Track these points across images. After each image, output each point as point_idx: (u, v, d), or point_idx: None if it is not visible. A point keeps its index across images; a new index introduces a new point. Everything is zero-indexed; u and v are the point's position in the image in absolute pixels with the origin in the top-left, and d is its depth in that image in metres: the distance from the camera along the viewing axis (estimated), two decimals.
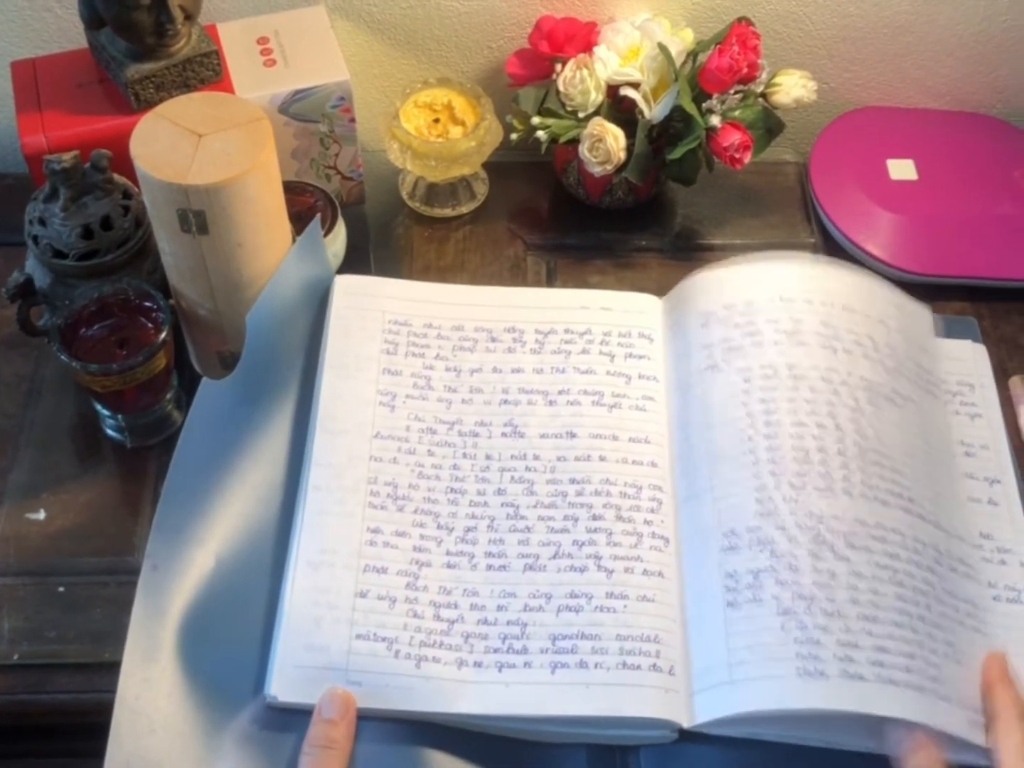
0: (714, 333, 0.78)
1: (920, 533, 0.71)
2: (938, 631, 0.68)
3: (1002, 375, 0.84)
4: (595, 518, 0.71)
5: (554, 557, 0.70)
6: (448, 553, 0.70)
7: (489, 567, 0.70)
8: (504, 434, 0.75)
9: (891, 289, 0.82)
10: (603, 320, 0.81)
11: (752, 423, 0.74)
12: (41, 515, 0.77)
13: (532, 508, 0.72)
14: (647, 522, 0.71)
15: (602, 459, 0.74)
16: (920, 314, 0.83)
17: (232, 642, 0.67)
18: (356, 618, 0.67)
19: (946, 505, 0.74)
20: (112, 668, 0.66)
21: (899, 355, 0.78)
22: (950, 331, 0.85)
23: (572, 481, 0.73)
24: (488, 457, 0.74)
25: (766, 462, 0.72)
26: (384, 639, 0.66)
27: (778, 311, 0.78)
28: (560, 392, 0.77)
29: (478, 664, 0.66)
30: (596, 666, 0.66)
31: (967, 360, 0.84)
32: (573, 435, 0.75)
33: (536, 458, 0.74)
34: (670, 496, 0.73)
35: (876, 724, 0.64)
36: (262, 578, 0.70)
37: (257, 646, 0.67)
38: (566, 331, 0.80)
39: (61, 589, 0.73)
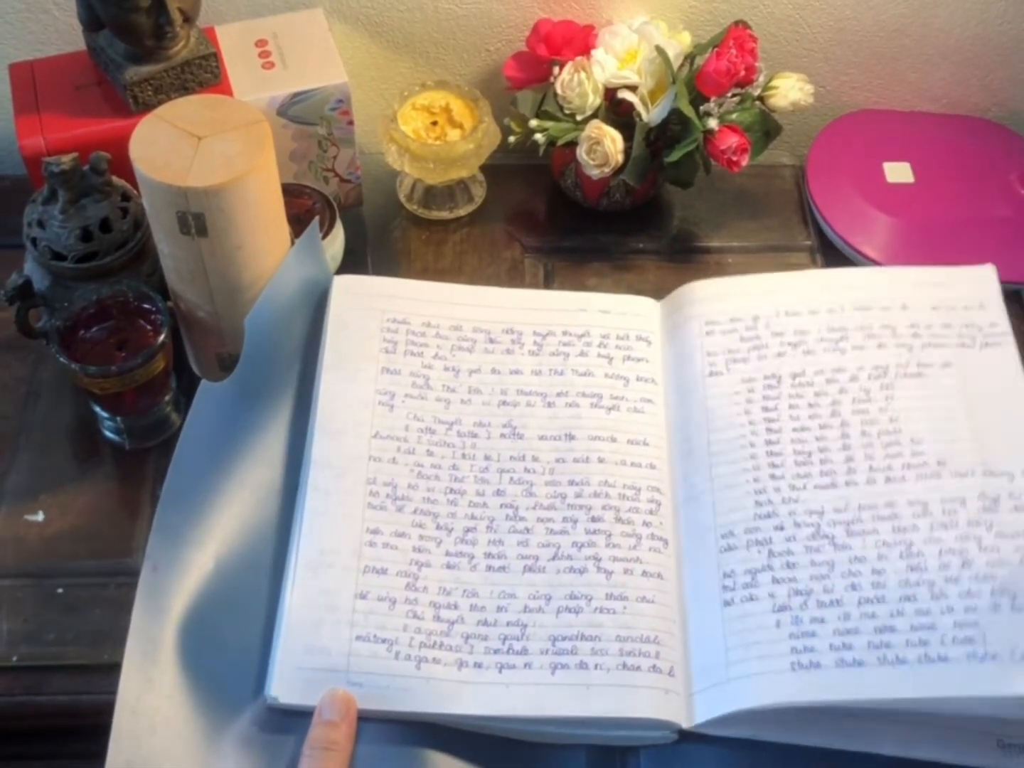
0: (718, 342, 0.79)
1: (953, 491, 0.70)
2: (977, 583, 0.66)
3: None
4: (594, 520, 0.72)
5: (553, 558, 0.70)
6: (448, 554, 0.70)
7: (489, 568, 0.70)
8: (503, 435, 0.76)
9: (917, 270, 0.83)
10: (601, 323, 0.81)
11: (753, 429, 0.75)
12: (40, 517, 0.77)
13: (531, 509, 0.72)
14: (646, 524, 0.72)
15: (601, 461, 0.74)
16: (963, 276, 0.83)
17: (232, 643, 0.68)
18: (356, 619, 0.67)
19: (998, 447, 0.73)
20: (111, 670, 0.66)
21: (930, 327, 0.79)
22: None
23: (571, 483, 0.73)
24: (487, 458, 0.75)
25: (767, 466, 0.73)
26: (384, 640, 0.66)
27: (783, 325, 0.79)
28: (559, 394, 0.77)
29: (478, 665, 0.66)
30: (596, 667, 0.66)
31: None
32: (572, 437, 0.75)
33: (535, 459, 0.74)
34: (668, 498, 0.73)
35: (878, 724, 0.64)
36: (262, 579, 0.70)
37: (257, 647, 0.67)
38: (564, 333, 0.80)
39: (60, 591, 0.73)
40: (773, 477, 0.72)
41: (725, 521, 0.71)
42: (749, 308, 0.81)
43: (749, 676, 0.65)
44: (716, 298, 0.82)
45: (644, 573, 0.70)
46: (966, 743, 0.65)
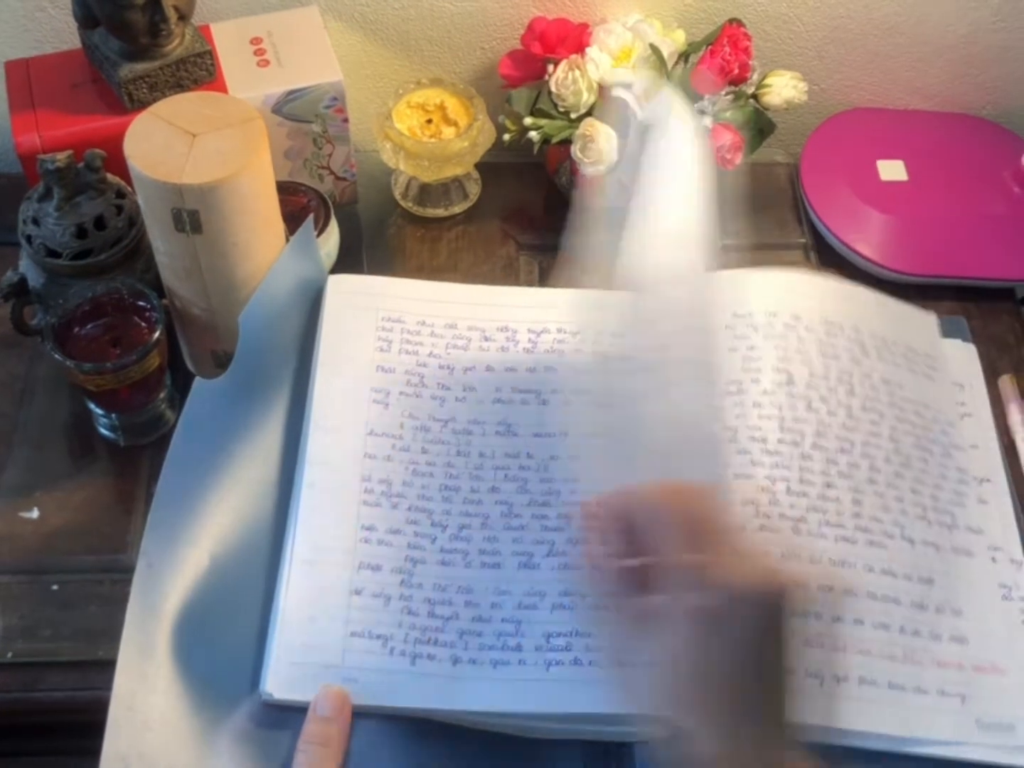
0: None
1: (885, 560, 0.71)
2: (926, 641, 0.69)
3: (992, 374, 0.85)
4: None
5: (548, 555, 0.70)
6: (442, 550, 0.70)
7: (483, 564, 0.70)
8: (498, 432, 0.76)
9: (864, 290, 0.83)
10: (596, 319, 0.81)
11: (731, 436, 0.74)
12: (35, 514, 0.77)
13: (526, 506, 0.72)
14: None
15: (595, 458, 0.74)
16: (903, 312, 0.84)
17: (227, 640, 0.68)
18: (351, 615, 0.67)
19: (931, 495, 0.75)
20: (106, 666, 0.66)
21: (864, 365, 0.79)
22: (940, 331, 0.86)
23: (565, 480, 0.73)
24: (481, 455, 0.75)
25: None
26: (379, 636, 0.66)
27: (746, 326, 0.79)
28: (553, 391, 0.77)
29: (473, 661, 0.66)
30: (590, 663, 0.66)
31: (957, 359, 0.85)
32: (566, 434, 0.75)
33: (529, 456, 0.75)
34: None
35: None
36: (257, 576, 0.70)
37: (252, 643, 0.67)
38: (559, 330, 0.81)
39: (55, 587, 0.73)
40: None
41: None
42: (750, 304, 0.80)
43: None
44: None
45: None
46: (948, 726, 0.66)
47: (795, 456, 0.73)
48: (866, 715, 0.65)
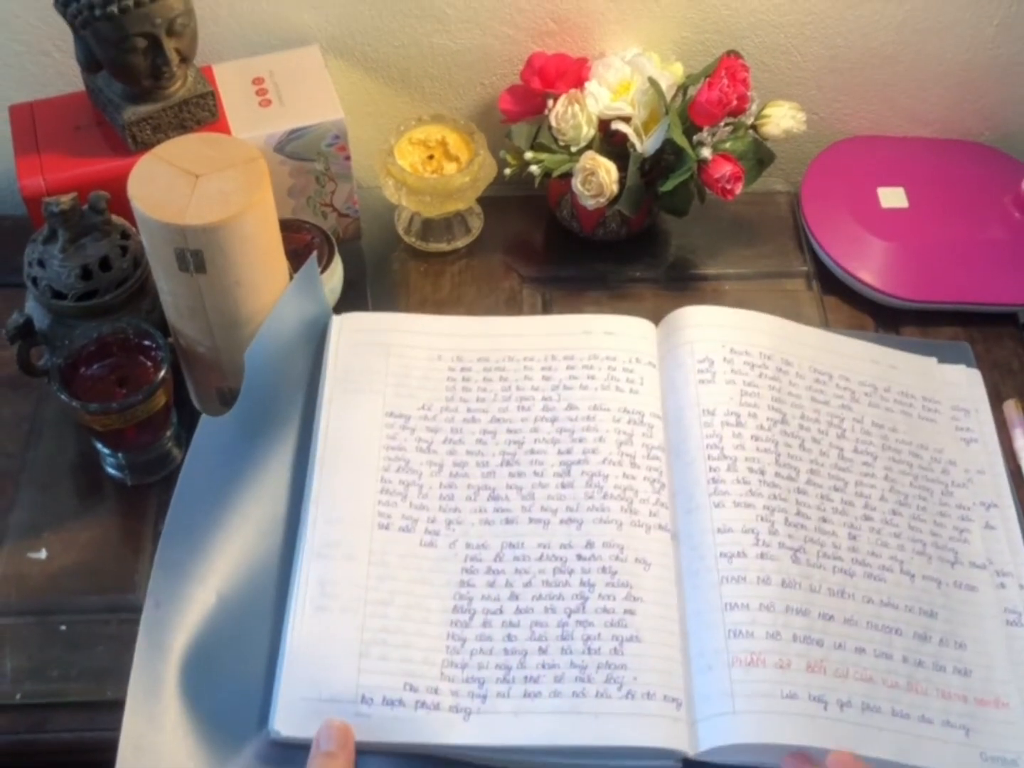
0: (712, 370, 0.80)
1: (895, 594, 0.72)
2: (935, 672, 0.69)
3: (996, 399, 0.85)
4: (593, 556, 0.72)
5: (558, 592, 0.70)
6: (460, 585, 0.70)
7: (497, 598, 0.70)
8: (505, 463, 0.76)
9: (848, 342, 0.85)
10: (606, 345, 0.81)
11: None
12: (43, 554, 0.77)
13: (538, 547, 0.72)
14: (648, 563, 0.72)
15: (606, 494, 0.74)
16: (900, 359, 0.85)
17: (235, 678, 0.68)
18: (360, 651, 0.67)
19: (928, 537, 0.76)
20: (115, 706, 0.66)
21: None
22: (944, 357, 0.86)
23: (581, 527, 0.73)
24: (487, 490, 0.75)
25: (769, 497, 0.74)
26: (389, 672, 0.66)
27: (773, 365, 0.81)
28: (571, 419, 0.78)
29: (483, 696, 0.66)
30: (601, 695, 0.66)
31: (962, 385, 0.85)
32: (586, 461, 0.75)
33: (548, 497, 0.74)
34: (670, 517, 0.74)
35: None
36: (264, 613, 0.70)
37: (260, 681, 0.67)
38: (566, 358, 0.81)
39: (63, 628, 0.74)
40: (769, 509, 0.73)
41: (724, 567, 0.72)
42: (747, 342, 0.81)
43: (756, 712, 0.65)
44: (711, 326, 0.82)
45: (654, 602, 0.70)
46: (951, 757, 0.66)
47: (791, 490, 0.74)
48: (870, 741, 0.65)
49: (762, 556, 0.71)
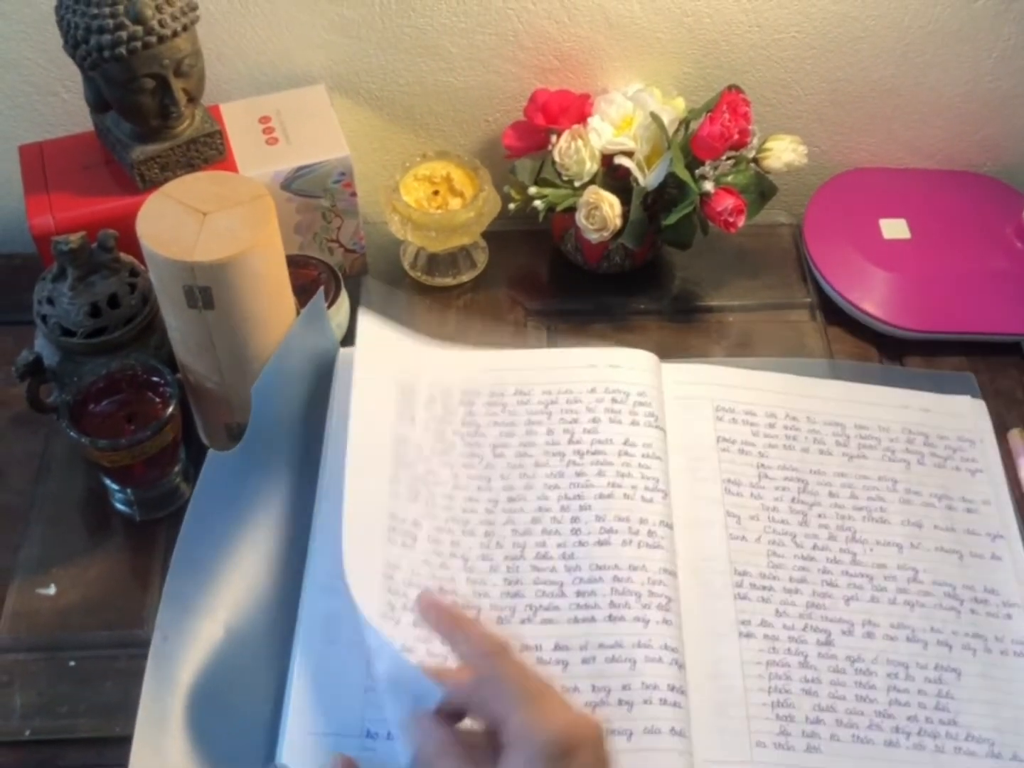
0: (728, 428, 0.82)
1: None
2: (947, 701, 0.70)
3: (1001, 429, 0.85)
4: (594, 588, 0.72)
5: (571, 631, 0.70)
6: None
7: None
8: (509, 498, 0.76)
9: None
10: (610, 377, 0.82)
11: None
12: (52, 590, 0.77)
13: (555, 596, 0.72)
14: (652, 595, 0.72)
15: (625, 544, 0.74)
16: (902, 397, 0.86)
17: (243, 712, 0.68)
18: (368, 685, 0.67)
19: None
20: (123, 742, 0.66)
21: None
22: (948, 387, 0.86)
23: (593, 567, 0.73)
24: (488, 527, 0.75)
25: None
26: None
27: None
28: (576, 452, 0.78)
29: None
30: (611, 733, 0.66)
31: (966, 416, 0.85)
32: (602, 496, 0.76)
33: (556, 521, 0.75)
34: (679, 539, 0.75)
35: None
36: (272, 647, 0.70)
37: (268, 715, 0.67)
38: (567, 391, 0.81)
39: (72, 663, 0.74)
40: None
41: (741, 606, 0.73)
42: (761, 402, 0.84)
43: (774, 766, 0.66)
44: (724, 384, 0.85)
45: (664, 647, 0.70)
46: None
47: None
48: None
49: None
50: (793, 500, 0.78)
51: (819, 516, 0.78)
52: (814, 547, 0.76)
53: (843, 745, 0.67)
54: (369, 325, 0.80)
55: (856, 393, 0.85)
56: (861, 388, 0.86)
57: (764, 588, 0.74)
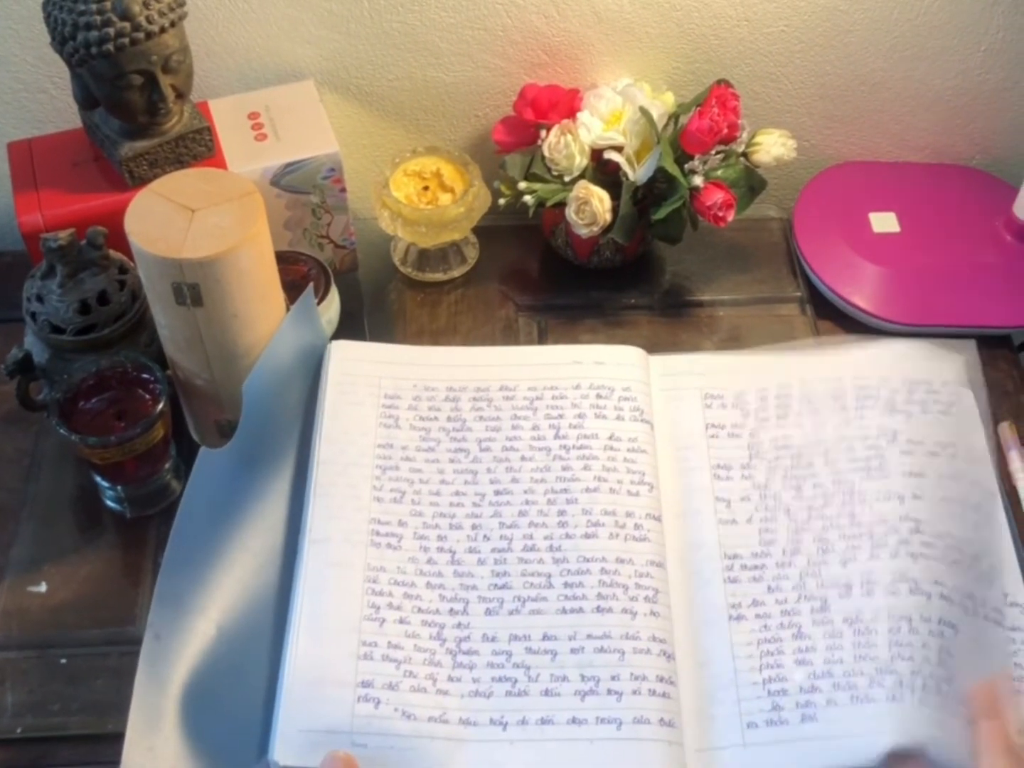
0: (717, 415, 0.82)
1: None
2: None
3: (991, 421, 0.85)
4: (581, 580, 0.72)
5: (557, 620, 0.70)
6: (452, 614, 0.71)
7: (494, 637, 0.70)
8: (497, 492, 0.76)
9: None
10: (595, 374, 0.82)
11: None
12: (43, 588, 0.77)
13: (533, 587, 0.72)
14: (638, 587, 0.72)
15: (600, 525, 0.74)
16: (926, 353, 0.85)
17: (235, 709, 0.68)
18: (359, 680, 0.67)
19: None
20: (115, 739, 0.66)
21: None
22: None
23: (573, 547, 0.74)
24: (475, 520, 0.75)
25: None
26: (387, 701, 0.66)
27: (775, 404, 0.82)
28: (563, 447, 0.78)
29: (482, 723, 0.66)
30: (601, 721, 0.66)
31: (968, 368, 0.85)
32: (574, 491, 0.76)
33: (542, 514, 0.75)
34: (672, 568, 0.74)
35: None
36: (264, 644, 0.70)
37: (260, 712, 0.67)
38: (553, 387, 0.81)
39: (63, 661, 0.74)
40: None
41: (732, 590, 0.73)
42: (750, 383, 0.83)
43: (768, 744, 0.66)
44: (719, 371, 0.84)
45: (652, 639, 0.70)
46: None
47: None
48: None
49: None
50: (785, 474, 0.78)
51: (814, 485, 0.77)
52: (808, 517, 0.75)
53: (841, 709, 0.66)
54: (342, 347, 0.82)
55: (853, 350, 0.85)
56: (858, 346, 0.85)
57: (755, 568, 0.73)
